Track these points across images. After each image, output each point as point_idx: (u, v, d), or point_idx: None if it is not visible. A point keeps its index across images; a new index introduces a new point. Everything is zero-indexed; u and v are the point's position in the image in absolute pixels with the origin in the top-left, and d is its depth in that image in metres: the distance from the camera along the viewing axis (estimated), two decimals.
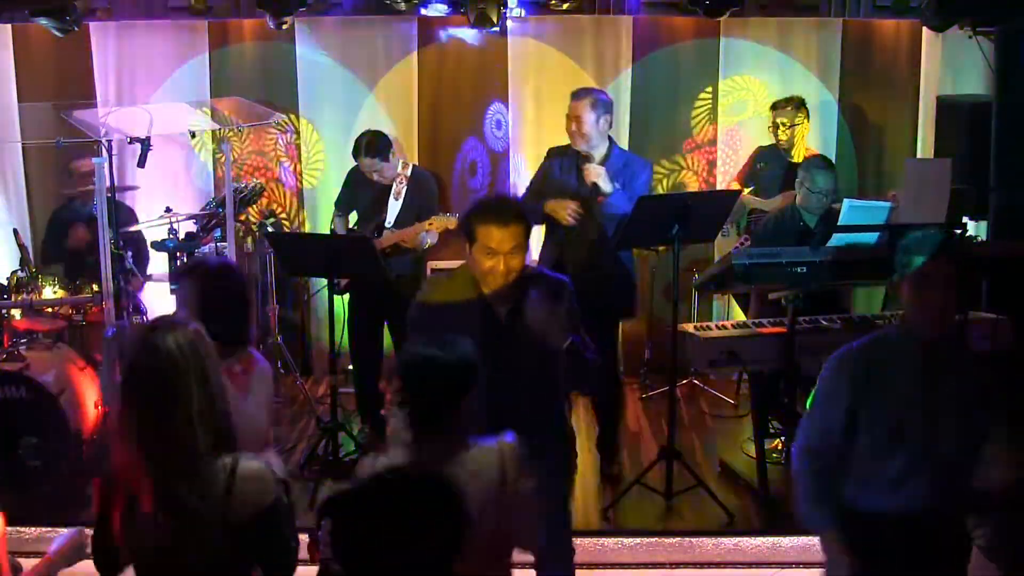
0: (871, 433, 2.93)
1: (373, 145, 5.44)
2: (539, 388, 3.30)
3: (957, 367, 2.96)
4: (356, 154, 5.50)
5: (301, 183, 6.69)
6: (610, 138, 5.06)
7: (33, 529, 4.55)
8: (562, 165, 5.09)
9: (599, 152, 4.97)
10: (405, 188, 5.54)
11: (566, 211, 4.87)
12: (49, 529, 4.47)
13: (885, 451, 2.91)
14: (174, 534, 2.37)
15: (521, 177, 6.58)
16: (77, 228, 5.91)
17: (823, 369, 3.06)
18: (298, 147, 6.65)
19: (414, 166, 5.75)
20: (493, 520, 2.55)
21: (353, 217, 5.82)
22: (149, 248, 5.85)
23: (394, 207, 5.54)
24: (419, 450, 2.57)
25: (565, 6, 6.03)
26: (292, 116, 6.56)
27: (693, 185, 6.62)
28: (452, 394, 2.58)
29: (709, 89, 6.55)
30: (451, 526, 1.91)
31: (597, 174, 4.84)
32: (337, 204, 5.87)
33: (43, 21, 5.74)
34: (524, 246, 3.28)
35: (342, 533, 1.90)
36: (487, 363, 2.69)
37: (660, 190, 6.55)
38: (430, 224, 5.37)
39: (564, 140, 5.09)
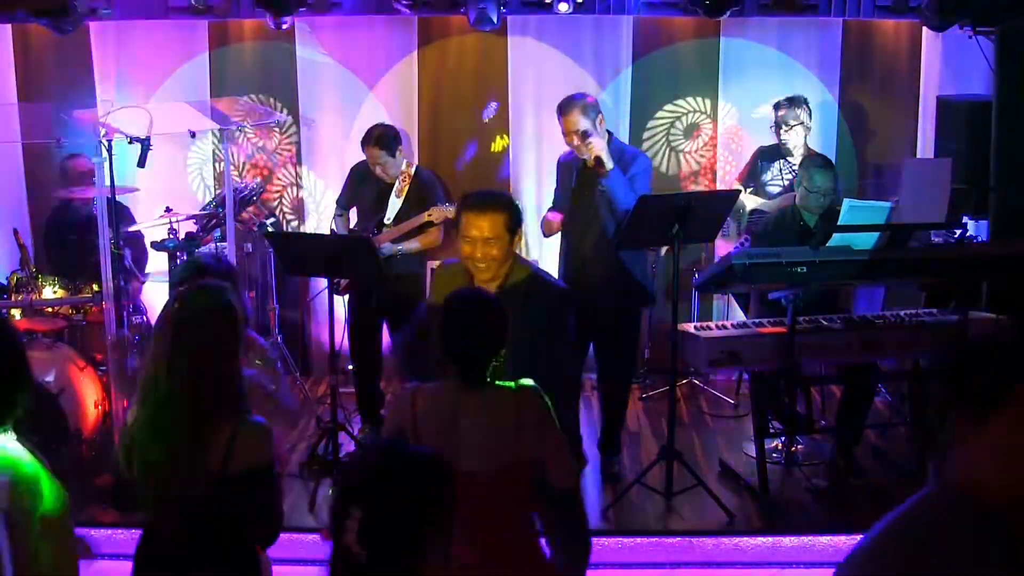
0: None
1: (384, 138, 5.47)
2: None
3: None
4: (365, 143, 5.51)
5: (300, 183, 6.69)
6: (608, 131, 5.08)
7: None
8: (569, 167, 5.18)
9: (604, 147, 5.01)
10: (407, 187, 5.55)
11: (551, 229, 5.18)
12: None
13: None
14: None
15: (521, 177, 6.60)
16: (75, 217, 5.94)
17: None
18: (298, 147, 6.65)
19: (418, 166, 5.76)
20: (508, 459, 2.72)
21: (354, 216, 5.82)
22: (149, 248, 5.85)
23: (395, 204, 5.55)
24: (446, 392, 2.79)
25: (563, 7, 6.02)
26: (292, 116, 6.56)
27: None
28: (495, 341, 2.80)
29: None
30: (439, 502, 2.00)
31: (600, 148, 4.85)
32: (338, 202, 5.87)
33: (43, 21, 5.74)
34: (504, 236, 3.43)
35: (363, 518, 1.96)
36: None
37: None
38: (429, 214, 5.38)
39: (564, 142, 5.10)
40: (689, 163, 6.62)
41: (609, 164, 4.84)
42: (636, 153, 5.16)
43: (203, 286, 2.80)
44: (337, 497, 2.02)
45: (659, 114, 6.57)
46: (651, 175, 5.18)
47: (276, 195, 6.70)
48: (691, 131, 6.58)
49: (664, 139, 6.59)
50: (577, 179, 5.08)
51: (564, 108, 4.93)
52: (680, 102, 6.56)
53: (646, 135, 6.57)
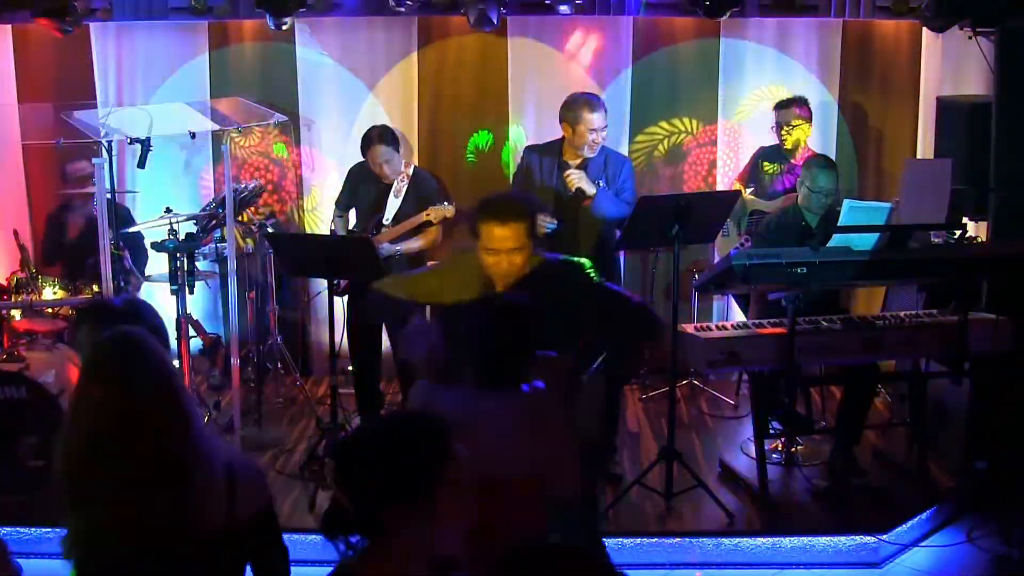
0: None
1: (388, 134, 5.49)
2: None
3: None
4: (369, 144, 5.50)
5: (301, 183, 6.69)
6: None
7: (33, 529, 4.55)
8: (542, 164, 5.15)
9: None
10: (406, 187, 5.55)
11: (541, 224, 4.92)
12: (49, 529, 4.47)
13: None
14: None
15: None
16: (76, 218, 5.93)
17: None
18: (298, 147, 6.65)
19: (416, 167, 5.77)
20: (524, 463, 2.76)
21: (352, 217, 5.82)
22: (149, 248, 5.84)
23: (393, 204, 5.54)
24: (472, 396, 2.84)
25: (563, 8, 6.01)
26: (292, 116, 6.56)
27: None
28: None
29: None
30: (433, 459, 2.06)
31: (579, 178, 4.92)
32: (337, 203, 5.87)
33: (43, 21, 5.74)
34: (527, 244, 3.37)
35: (347, 472, 2.05)
36: None
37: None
38: (427, 215, 5.38)
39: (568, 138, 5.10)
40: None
41: (591, 190, 4.90)
42: (621, 160, 5.20)
43: (109, 338, 2.29)
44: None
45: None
46: (634, 178, 5.24)
47: (276, 195, 6.70)
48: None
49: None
50: (560, 177, 5.06)
51: (593, 105, 4.97)
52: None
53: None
